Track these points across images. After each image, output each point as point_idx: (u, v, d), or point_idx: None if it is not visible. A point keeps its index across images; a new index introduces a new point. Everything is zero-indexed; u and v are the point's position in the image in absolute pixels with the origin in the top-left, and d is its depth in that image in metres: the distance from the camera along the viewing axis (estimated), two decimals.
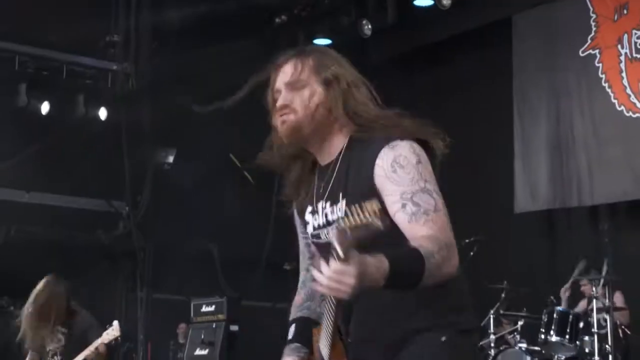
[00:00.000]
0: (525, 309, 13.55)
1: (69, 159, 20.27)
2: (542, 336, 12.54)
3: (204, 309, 15.77)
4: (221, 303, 15.65)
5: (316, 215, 3.89)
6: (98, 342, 7.86)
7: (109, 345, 8.03)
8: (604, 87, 15.38)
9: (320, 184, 3.89)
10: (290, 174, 4.06)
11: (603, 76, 15.43)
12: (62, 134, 19.99)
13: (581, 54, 15.80)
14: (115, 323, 7.85)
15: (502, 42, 17.14)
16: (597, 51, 15.63)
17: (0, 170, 20.04)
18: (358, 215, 3.11)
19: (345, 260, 3.12)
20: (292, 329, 3.96)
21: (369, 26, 18.34)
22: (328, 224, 3.80)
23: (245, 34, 19.76)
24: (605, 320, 11.96)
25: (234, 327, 15.35)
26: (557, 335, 12.38)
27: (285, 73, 3.96)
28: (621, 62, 15.21)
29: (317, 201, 3.89)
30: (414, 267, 3.32)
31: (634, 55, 15.03)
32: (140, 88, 20.65)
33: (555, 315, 12.46)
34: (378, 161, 3.61)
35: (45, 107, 19.55)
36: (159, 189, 21.52)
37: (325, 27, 19.45)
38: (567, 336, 12.32)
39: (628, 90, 15.00)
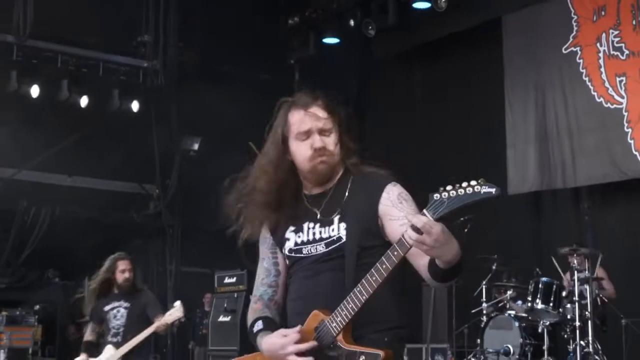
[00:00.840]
0: (514, 279, 13.61)
1: (106, 147, 20.41)
2: (529, 304, 12.60)
3: (227, 280, 15.83)
4: (242, 275, 15.69)
5: (300, 233, 3.99)
6: (161, 322, 7.67)
7: (172, 325, 7.83)
8: (585, 81, 15.50)
9: (311, 208, 3.99)
10: (273, 202, 4.15)
11: (584, 71, 15.55)
12: (99, 124, 20.14)
13: (564, 51, 15.92)
14: (178, 303, 7.64)
15: (493, 41, 17.22)
16: (578, 48, 15.75)
17: (46, 157, 20.21)
18: (460, 187, 3.27)
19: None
20: (259, 322, 4.07)
21: (373, 27, 18.46)
22: (314, 241, 3.92)
23: (261, 34, 19.89)
24: (586, 290, 12.02)
25: None
26: (542, 303, 12.44)
27: (319, 118, 4.09)
28: (600, 58, 15.32)
29: (303, 222, 4.00)
30: (461, 264, 3.57)
31: (612, 52, 15.14)
32: (168, 83, 20.83)
33: (540, 285, 12.54)
34: (384, 194, 3.81)
35: (84, 101, 19.66)
36: (186, 173, 21.71)
37: (334, 28, 19.59)
38: (551, 304, 12.39)
39: (606, 84, 15.11)
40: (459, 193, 3.20)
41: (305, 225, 4.00)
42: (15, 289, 21.00)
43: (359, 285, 3.57)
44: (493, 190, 3.16)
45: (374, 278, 3.53)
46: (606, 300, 12.57)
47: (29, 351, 18.74)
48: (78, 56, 19.84)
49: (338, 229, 3.85)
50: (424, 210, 3.34)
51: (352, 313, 3.62)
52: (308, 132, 4.05)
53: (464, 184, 3.20)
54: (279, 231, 4.13)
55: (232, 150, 20.51)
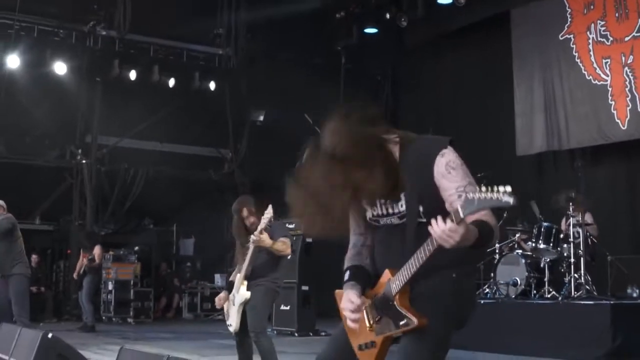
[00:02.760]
0: (521, 225, 13.60)
1: (189, 119, 20.67)
2: (533, 244, 12.61)
3: (287, 226, 15.81)
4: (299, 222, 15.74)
5: (375, 208, 3.83)
6: (260, 228, 7.20)
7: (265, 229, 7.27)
8: (577, 62, 15.52)
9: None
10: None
11: (576, 54, 15.56)
12: (183, 101, 20.37)
13: (560, 38, 15.91)
14: (269, 207, 7.27)
15: (503, 30, 17.21)
16: (571, 36, 15.73)
17: (141, 128, 20.49)
18: (490, 191, 3.22)
19: (458, 223, 3.27)
20: (348, 272, 3.92)
21: (405, 19, 18.46)
22: (388, 215, 3.79)
23: (314, 26, 19.93)
24: (579, 233, 12.05)
25: (309, 239, 15.44)
26: (544, 243, 12.42)
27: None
28: (589, 44, 15.33)
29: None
30: (490, 236, 3.50)
31: (599, 39, 15.16)
32: (238, 66, 20.98)
33: (542, 229, 12.53)
34: (435, 167, 3.64)
35: (171, 82, 19.92)
36: (253, 139, 21.88)
37: (373, 20, 19.61)
38: (551, 244, 12.38)
39: (594, 65, 15.17)
40: (487, 197, 3.19)
41: (378, 202, 3.82)
42: (119, 234, 21.36)
43: (412, 257, 3.54)
44: (511, 200, 3.18)
45: (421, 255, 3.52)
46: (595, 241, 12.60)
47: (131, 283, 19.03)
48: (166, 46, 20.15)
49: (404, 204, 3.74)
50: (458, 207, 3.28)
51: (407, 279, 3.60)
52: None
53: (494, 189, 3.20)
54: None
55: (290, 120, 20.85)
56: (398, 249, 3.75)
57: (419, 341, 3.66)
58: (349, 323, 3.80)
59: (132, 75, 19.28)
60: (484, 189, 3.26)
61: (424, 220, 3.58)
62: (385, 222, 3.85)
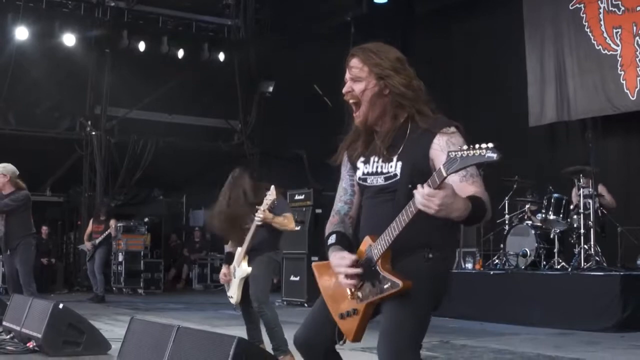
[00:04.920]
0: (530, 196, 13.60)
1: (198, 90, 20.65)
2: (543, 215, 12.59)
3: (297, 197, 15.86)
4: (309, 193, 15.75)
5: (367, 165, 3.92)
6: (259, 212, 7.21)
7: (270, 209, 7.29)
8: (587, 32, 15.37)
9: (378, 144, 3.86)
10: (355, 131, 4.04)
11: (586, 24, 15.41)
12: (192, 72, 20.35)
13: (570, 7, 15.76)
14: (272, 187, 7.28)
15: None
16: (582, 5, 15.57)
17: (151, 99, 20.50)
18: (472, 149, 3.20)
19: (440, 183, 3.26)
20: (333, 236, 3.92)
21: None
22: (376, 174, 3.86)
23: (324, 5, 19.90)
24: (589, 204, 12.02)
25: (318, 210, 15.47)
26: (554, 214, 12.42)
27: (350, 69, 4.02)
28: (600, 13, 15.18)
29: (371, 155, 3.91)
30: (482, 211, 3.50)
31: (610, 8, 15.00)
32: (247, 37, 20.94)
33: (552, 200, 12.53)
34: (435, 140, 3.68)
35: (180, 53, 19.91)
36: (263, 111, 21.90)
37: None
38: (561, 215, 12.38)
39: (604, 35, 15.02)
40: (469, 154, 3.18)
41: (372, 159, 3.91)
42: (129, 205, 21.44)
43: (394, 220, 3.54)
44: (494, 156, 3.15)
45: (403, 218, 3.50)
46: (605, 212, 12.57)
47: (141, 254, 19.13)
48: (175, 17, 20.13)
49: (395, 167, 3.79)
50: (440, 167, 3.27)
51: (388, 243, 3.59)
52: (345, 80, 4.03)
53: (477, 146, 3.16)
54: (354, 159, 4.03)
55: (300, 91, 20.83)
56: (383, 215, 3.75)
57: (403, 305, 3.64)
58: (346, 282, 3.75)
59: (141, 46, 19.28)
60: (465, 147, 3.24)
61: (412, 188, 3.53)
62: (371, 183, 3.89)
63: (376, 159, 3.90)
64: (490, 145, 3.16)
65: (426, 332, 3.75)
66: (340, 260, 3.77)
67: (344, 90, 4.02)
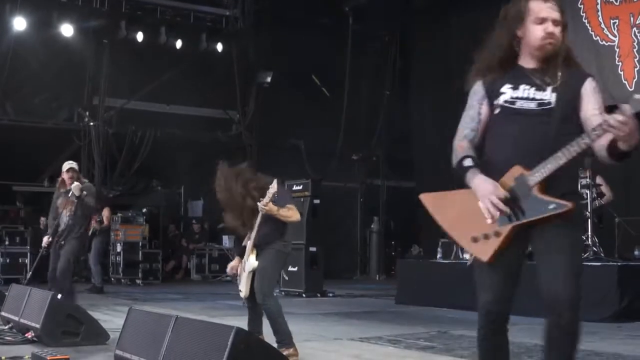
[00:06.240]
0: None
1: (196, 80, 20.60)
2: None
3: (295, 187, 15.81)
4: (307, 183, 15.71)
5: (516, 91, 4.11)
6: (261, 205, 7.21)
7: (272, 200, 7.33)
8: (584, 23, 15.40)
9: (528, 75, 4.11)
10: (494, 63, 4.27)
11: (584, 14, 15.44)
12: (191, 62, 20.33)
13: None
14: (274, 181, 7.31)
15: None
16: None
17: (149, 90, 20.47)
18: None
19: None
20: (469, 160, 4.10)
21: None
22: (528, 99, 4.06)
23: None
24: (587, 194, 11.99)
25: (316, 201, 15.47)
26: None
27: (554, 11, 4.18)
28: (598, 3, 15.22)
29: (520, 83, 4.11)
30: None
31: None
32: (245, 27, 20.92)
33: None
34: (587, 82, 4.00)
35: (178, 43, 19.92)
36: (261, 101, 21.88)
37: None
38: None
39: (602, 25, 15.06)
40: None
41: (522, 86, 4.10)
42: (127, 195, 21.40)
43: (559, 151, 3.80)
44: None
45: (573, 149, 3.75)
46: (603, 203, 12.57)
47: (139, 244, 19.14)
48: (173, 7, 20.08)
49: (550, 96, 4.02)
50: (622, 105, 3.59)
51: (551, 171, 3.81)
52: (544, 20, 4.13)
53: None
54: (495, 86, 4.20)
55: (298, 81, 20.80)
56: (534, 139, 3.96)
57: (569, 227, 3.88)
58: (495, 211, 3.90)
59: (139, 36, 19.26)
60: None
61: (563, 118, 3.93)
62: (521, 106, 4.08)
63: (527, 87, 4.10)
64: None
65: None
66: (493, 187, 3.94)
67: (550, 30, 4.13)
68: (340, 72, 20.74)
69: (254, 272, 7.38)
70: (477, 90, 4.31)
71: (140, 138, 20.44)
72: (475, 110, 4.28)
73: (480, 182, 3.99)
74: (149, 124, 20.65)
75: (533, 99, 4.05)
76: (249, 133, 21.94)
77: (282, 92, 20.91)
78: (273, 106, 21.19)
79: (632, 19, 14.59)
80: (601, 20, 15.09)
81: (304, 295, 14.71)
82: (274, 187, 7.18)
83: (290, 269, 15.08)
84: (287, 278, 15.17)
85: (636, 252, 12.35)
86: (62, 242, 10.42)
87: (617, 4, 14.87)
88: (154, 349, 5.33)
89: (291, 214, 7.49)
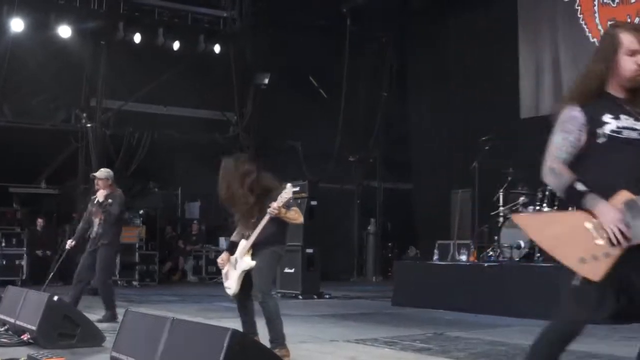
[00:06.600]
0: (525, 188, 13.60)
1: (194, 81, 20.58)
2: (537, 207, 12.64)
3: (292, 189, 15.76)
4: (304, 185, 15.67)
5: (618, 121, 4.22)
6: (272, 208, 7.17)
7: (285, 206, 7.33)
8: (582, 25, 15.45)
9: (623, 105, 4.25)
10: (593, 91, 4.33)
11: (581, 16, 15.48)
12: (188, 64, 20.32)
13: (565, 0, 15.81)
14: (289, 185, 7.27)
15: None
16: None
17: (146, 91, 20.47)
18: None
19: None
20: (580, 184, 4.15)
21: None
22: (631, 129, 4.20)
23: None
24: None
25: (313, 202, 15.47)
26: (548, 206, 12.44)
27: None
28: (595, 5, 15.25)
29: (620, 113, 4.23)
30: None
31: (604, 0, 15.07)
32: (243, 29, 20.94)
33: (546, 193, 12.55)
34: None
35: (176, 45, 19.94)
36: (258, 103, 21.87)
37: None
38: (555, 207, 12.39)
39: (599, 27, 15.10)
40: None
41: (622, 116, 4.22)
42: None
43: None
44: None
45: None
46: None
47: (136, 246, 19.13)
48: (171, 9, 20.11)
49: None
50: None
51: None
52: (635, 52, 4.26)
53: None
54: (596, 115, 4.26)
55: (296, 83, 20.80)
56: (637, 170, 4.16)
57: None
58: (621, 238, 4.01)
59: (137, 38, 19.27)
60: None
61: None
62: (627, 135, 4.23)
63: (626, 117, 4.26)
64: None
65: None
66: (620, 214, 4.04)
67: None
68: (338, 73, 20.74)
69: (247, 272, 7.37)
70: (577, 116, 4.33)
71: (138, 139, 20.43)
72: (575, 136, 4.31)
73: (606, 209, 4.08)
74: (146, 125, 20.64)
75: (634, 129, 4.21)
76: (247, 134, 21.95)
77: (279, 94, 20.90)
78: (270, 107, 21.19)
79: (629, 20, 14.60)
80: (598, 22, 15.12)
81: (300, 296, 14.71)
82: (289, 192, 7.20)
83: (286, 270, 15.07)
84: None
85: None
86: (95, 248, 10.52)
87: (614, 5, 14.90)
88: (150, 351, 5.32)
89: (297, 216, 7.51)
